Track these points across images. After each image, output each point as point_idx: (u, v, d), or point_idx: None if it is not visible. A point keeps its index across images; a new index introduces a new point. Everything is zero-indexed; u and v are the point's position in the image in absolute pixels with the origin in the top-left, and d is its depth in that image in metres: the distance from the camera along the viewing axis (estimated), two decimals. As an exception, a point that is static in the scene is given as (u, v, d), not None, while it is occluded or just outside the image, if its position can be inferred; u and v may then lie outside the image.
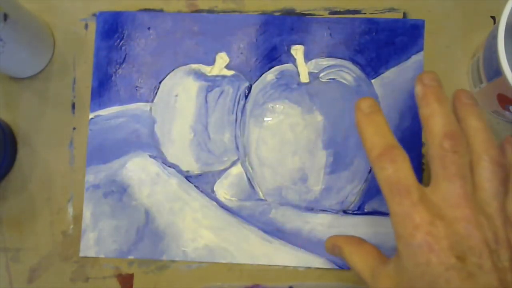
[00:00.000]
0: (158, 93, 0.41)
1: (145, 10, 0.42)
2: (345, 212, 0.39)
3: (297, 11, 0.41)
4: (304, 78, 0.40)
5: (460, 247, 0.25)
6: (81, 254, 0.40)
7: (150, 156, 0.40)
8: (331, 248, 0.33)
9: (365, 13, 0.41)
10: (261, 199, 0.39)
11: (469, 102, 0.30)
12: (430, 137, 0.28)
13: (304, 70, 0.40)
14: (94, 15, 0.42)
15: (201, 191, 0.40)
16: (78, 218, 0.40)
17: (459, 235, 0.25)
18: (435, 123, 0.28)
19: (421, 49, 0.40)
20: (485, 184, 0.27)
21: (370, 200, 0.39)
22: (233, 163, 0.40)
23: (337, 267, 0.38)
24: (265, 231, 0.39)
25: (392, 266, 0.28)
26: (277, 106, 0.40)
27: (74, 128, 0.41)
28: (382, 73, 0.40)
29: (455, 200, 0.26)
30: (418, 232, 0.25)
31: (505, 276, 0.25)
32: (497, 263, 0.25)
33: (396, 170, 0.27)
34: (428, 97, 0.29)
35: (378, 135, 0.28)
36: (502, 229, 0.26)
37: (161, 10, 0.42)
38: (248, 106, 0.40)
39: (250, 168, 0.40)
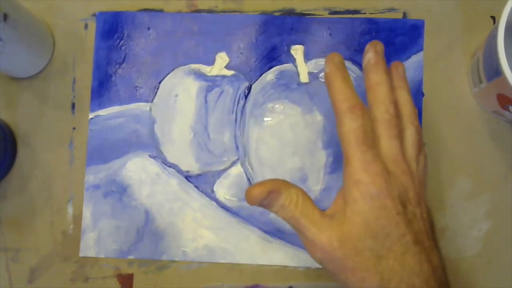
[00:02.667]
0: (158, 93, 0.41)
1: (145, 10, 0.42)
2: (345, 212, 0.39)
3: (297, 11, 0.41)
4: (304, 78, 0.40)
5: (403, 196, 0.29)
6: (81, 254, 0.40)
7: (150, 156, 0.40)
8: (262, 198, 0.29)
9: (365, 13, 0.41)
10: (261, 199, 0.39)
11: (403, 75, 0.34)
12: (376, 102, 0.31)
13: (304, 70, 0.40)
14: (94, 15, 0.42)
15: (201, 191, 0.40)
16: (78, 218, 0.40)
17: (403, 187, 0.29)
18: (382, 91, 0.31)
19: (421, 49, 0.40)
20: (409, 148, 0.31)
21: (370, 200, 0.39)
22: (233, 163, 0.40)
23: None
24: (265, 231, 0.39)
25: (336, 216, 0.29)
26: (277, 106, 0.40)
27: (74, 128, 0.41)
28: (382, 73, 0.40)
29: (396, 157, 0.30)
30: (378, 179, 0.28)
31: (425, 225, 0.29)
32: (422, 214, 0.29)
33: (363, 124, 0.29)
34: (380, 65, 0.32)
35: (351, 90, 0.30)
36: (419, 187, 0.30)
37: (161, 10, 0.42)
38: (248, 106, 0.40)
39: (250, 168, 0.40)
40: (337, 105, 0.30)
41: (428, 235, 0.29)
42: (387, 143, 0.30)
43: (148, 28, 0.41)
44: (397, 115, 0.31)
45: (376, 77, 0.31)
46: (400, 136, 0.31)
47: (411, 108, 0.32)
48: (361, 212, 0.28)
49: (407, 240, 0.28)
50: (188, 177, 0.40)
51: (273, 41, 0.41)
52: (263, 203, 0.30)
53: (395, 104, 0.31)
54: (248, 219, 0.39)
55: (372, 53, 0.32)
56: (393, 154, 0.30)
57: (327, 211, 0.30)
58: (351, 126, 0.29)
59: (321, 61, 0.40)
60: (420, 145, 0.32)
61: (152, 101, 0.41)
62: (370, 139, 0.29)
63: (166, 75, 0.41)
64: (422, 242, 0.28)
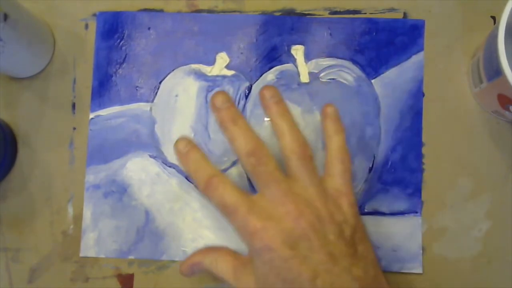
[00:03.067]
0: (158, 93, 0.41)
1: (145, 10, 0.42)
2: (345, 212, 0.39)
3: (297, 11, 0.41)
4: (304, 78, 0.40)
5: (291, 238, 0.29)
6: (81, 254, 0.40)
7: (150, 156, 0.40)
8: (190, 270, 0.34)
9: (365, 13, 0.41)
10: (261, 199, 0.39)
11: (272, 100, 0.33)
12: (239, 157, 0.32)
13: (304, 70, 0.40)
14: (94, 15, 0.42)
15: (201, 191, 0.40)
16: (78, 218, 0.40)
17: (288, 229, 0.29)
18: (238, 145, 0.32)
19: (421, 49, 0.40)
20: (298, 176, 0.31)
21: (370, 200, 0.39)
22: (233, 163, 0.40)
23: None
24: (265, 231, 0.39)
25: (249, 265, 0.31)
26: (277, 106, 0.40)
27: (74, 128, 0.41)
28: (382, 73, 0.40)
29: (278, 199, 0.30)
30: (255, 239, 0.30)
31: (332, 249, 0.29)
32: (324, 239, 0.29)
33: (220, 196, 0.31)
34: (225, 121, 0.32)
35: (197, 170, 0.32)
36: (324, 208, 0.30)
37: (161, 10, 0.42)
38: (249, 106, 0.40)
39: (250, 168, 0.40)
40: (197, 186, 0.33)
41: (337, 259, 0.29)
42: (265, 192, 0.31)
43: (149, 28, 0.41)
44: (263, 159, 0.31)
45: (228, 134, 0.32)
46: (275, 177, 0.31)
47: (289, 137, 0.32)
48: (258, 267, 0.30)
49: (303, 279, 0.29)
50: (188, 177, 0.40)
51: (274, 41, 0.41)
52: (195, 273, 0.34)
53: (259, 150, 0.32)
54: (248, 219, 0.39)
55: (215, 113, 0.33)
56: (274, 198, 0.31)
57: (247, 256, 0.32)
58: (213, 203, 0.31)
59: (322, 61, 0.40)
60: (311, 167, 0.32)
61: (152, 101, 0.41)
62: (232, 207, 0.30)
63: (167, 75, 0.41)
64: (326, 272, 0.29)
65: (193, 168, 0.32)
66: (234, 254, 0.33)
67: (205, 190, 0.32)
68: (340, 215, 0.31)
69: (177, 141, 0.33)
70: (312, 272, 0.29)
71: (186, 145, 0.33)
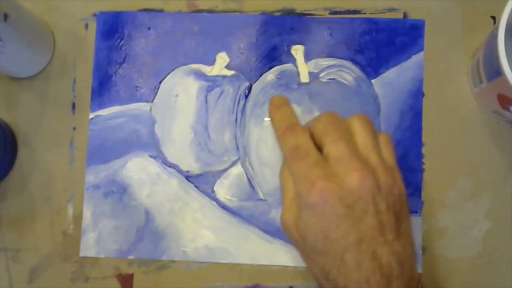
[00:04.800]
0: (158, 93, 0.41)
1: (145, 10, 0.42)
2: (345, 212, 0.39)
3: (297, 11, 0.41)
4: (304, 78, 0.40)
5: (350, 197, 0.29)
6: (81, 254, 0.40)
7: (150, 156, 0.40)
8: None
9: (365, 13, 0.41)
10: (261, 199, 0.39)
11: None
12: (313, 123, 0.33)
13: (304, 70, 0.40)
14: (94, 15, 0.42)
15: (201, 191, 0.40)
16: (78, 218, 0.40)
17: (349, 187, 0.30)
18: (319, 134, 0.32)
19: (421, 49, 0.40)
20: (362, 141, 0.32)
21: (370, 200, 0.39)
22: (233, 163, 0.40)
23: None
24: (265, 231, 0.39)
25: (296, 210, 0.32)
26: (277, 106, 0.40)
27: (74, 128, 0.41)
28: (382, 73, 0.40)
29: (345, 157, 0.30)
30: (313, 189, 0.30)
31: (383, 218, 0.30)
32: (378, 207, 0.30)
33: (296, 140, 0.32)
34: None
35: (284, 119, 0.34)
36: (384, 177, 0.30)
37: (161, 10, 0.42)
38: (249, 106, 0.40)
39: (250, 168, 0.40)
40: (277, 138, 0.34)
41: (384, 229, 0.30)
42: (332, 149, 0.31)
43: (149, 28, 0.41)
44: (335, 120, 0.32)
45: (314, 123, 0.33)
46: (344, 136, 0.31)
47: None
48: (303, 218, 0.30)
49: (349, 240, 0.29)
50: (188, 177, 0.40)
51: (274, 41, 0.41)
52: None
53: (332, 114, 0.33)
54: (248, 219, 0.39)
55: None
56: (341, 156, 0.31)
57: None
58: (285, 148, 0.32)
59: (322, 61, 0.40)
60: (372, 133, 0.32)
61: (152, 101, 0.41)
62: (303, 152, 0.31)
63: (167, 75, 0.41)
64: (372, 239, 0.29)
65: (280, 116, 0.34)
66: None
67: (284, 134, 0.32)
68: (396, 188, 0.31)
69: (273, 97, 0.36)
70: (360, 235, 0.29)
71: (281, 99, 0.35)
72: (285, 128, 0.33)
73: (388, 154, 0.32)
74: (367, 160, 0.31)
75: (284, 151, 0.33)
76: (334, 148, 0.31)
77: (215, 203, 0.40)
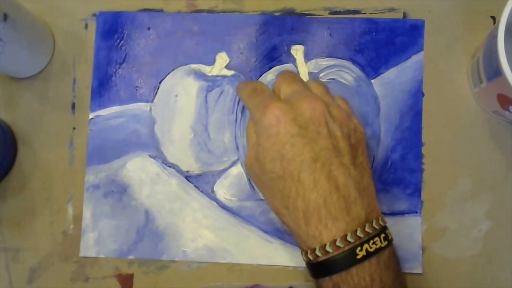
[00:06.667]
0: (158, 93, 0.41)
1: (145, 10, 0.42)
2: (345, 212, 0.39)
3: (297, 11, 0.41)
4: (304, 78, 0.40)
5: (302, 118, 0.31)
6: (81, 254, 0.40)
7: (150, 156, 0.40)
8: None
9: (365, 13, 0.41)
10: (261, 199, 0.39)
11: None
12: (276, 82, 0.35)
13: (304, 70, 0.40)
14: (94, 15, 0.42)
15: (201, 191, 0.40)
16: (78, 218, 0.40)
17: (301, 111, 0.31)
18: (277, 84, 0.35)
19: (421, 49, 0.40)
20: (316, 90, 0.34)
21: (370, 200, 0.39)
22: (233, 163, 0.40)
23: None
24: (265, 231, 0.39)
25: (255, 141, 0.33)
26: (277, 106, 0.40)
27: (74, 128, 0.41)
28: (382, 73, 0.40)
29: (300, 93, 0.32)
30: (267, 113, 0.31)
31: (337, 143, 0.31)
32: (331, 132, 0.31)
33: (255, 84, 0.35)
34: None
35: (250, 84, 0.36)
36: (337, 111, 0.32)
37: (161, 10, 0.42)
38: (248, 106, 0.40)
39: (250, 168, 0.40)
40: (244, 103, 0.36)
41: (339, 152, 0.31)
42: (286, 87, 0.33)
43: (148, 28, 0.41)
44: (296, 75, 0.35)
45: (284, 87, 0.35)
46: (301, 81, 0.34)
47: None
48: (261, 143, 0.32)
49: (303, 159, 0.30)
50: (188, 177, 0.40)
51: (273, 41, 0.41)
52: None
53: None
54: (248, 219, 0.39)
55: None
56: (292, 92, 0.33)
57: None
58: (249, 103, 0.34)
59: (321, 61, 0.40)
60: (327, 91, 0.35)
61: (152, 101, 0.41)
62: (260, 90, 0.34)
63: (166, 75, 0.41)
64: (326, 159, 0.30)
65: (248, 87, 0.35)
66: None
67: (248, 95, 0.34)
68: (351, 124, 0.32)
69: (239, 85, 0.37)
70: (314, 153, 0.30)
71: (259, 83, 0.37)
72: (249, 89, 0.35)
73: (343, 104, 0.34)
74: (322, 98, 0.33)
75: (249, 107, 0.34)
76: (289, 88, 0.33)
77: (215, 203, 0.40)
